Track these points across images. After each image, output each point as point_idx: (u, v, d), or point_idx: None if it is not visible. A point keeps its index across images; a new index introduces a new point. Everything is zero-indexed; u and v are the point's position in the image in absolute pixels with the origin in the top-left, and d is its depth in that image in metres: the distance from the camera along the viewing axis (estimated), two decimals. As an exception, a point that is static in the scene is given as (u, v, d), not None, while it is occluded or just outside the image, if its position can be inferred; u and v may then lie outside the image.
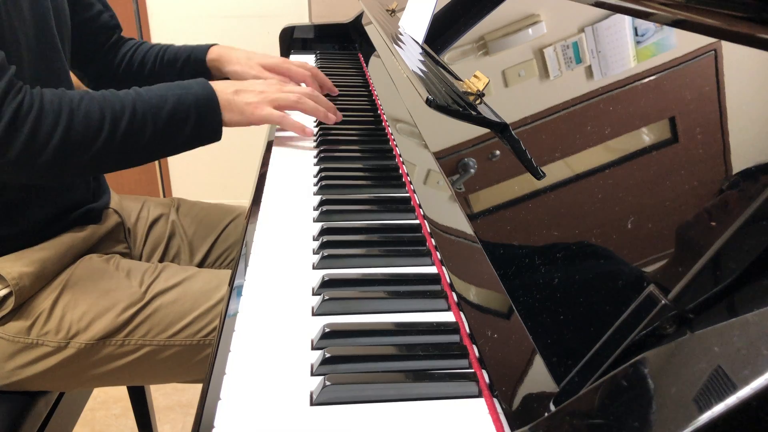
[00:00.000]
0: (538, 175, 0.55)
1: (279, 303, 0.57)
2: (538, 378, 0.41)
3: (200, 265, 1.07)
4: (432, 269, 0.63)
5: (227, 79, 1.15)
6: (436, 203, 0.72)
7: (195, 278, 0.89)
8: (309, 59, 1.58)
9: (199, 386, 0.51)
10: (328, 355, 0.48)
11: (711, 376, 0.29)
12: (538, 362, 0.41)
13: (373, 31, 1.39)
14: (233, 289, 0.60)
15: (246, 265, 0.63)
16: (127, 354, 0.84)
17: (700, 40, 0.47)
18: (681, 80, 0.47)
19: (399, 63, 0.90)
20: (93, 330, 0.82)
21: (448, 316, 0.55)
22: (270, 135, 1.04)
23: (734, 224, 0.35)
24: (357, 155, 0.93)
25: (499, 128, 0.65)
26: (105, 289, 0.85)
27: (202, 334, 0.84)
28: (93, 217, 0.95)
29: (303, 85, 1.16)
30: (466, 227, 0.60)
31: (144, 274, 0.88)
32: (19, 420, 0.82)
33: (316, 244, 0.67)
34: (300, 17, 2.33)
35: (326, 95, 1.20)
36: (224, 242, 1.09)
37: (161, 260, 1.05)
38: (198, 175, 2.51)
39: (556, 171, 0.54)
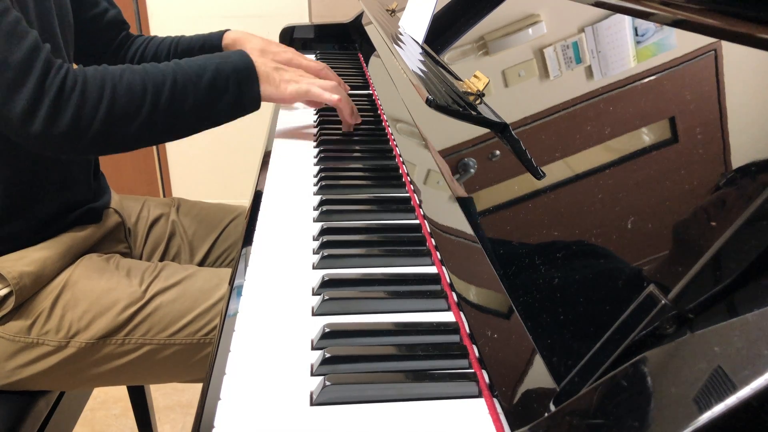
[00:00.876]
0: (538, 175, 0.55)
1: (279, 303, 0.57)
2: (538, 378, 0.41)
3: (200, 264, 1.07)
4: (432, 269, 0.63)
5: None
6: (436, 203, 0.72)
7: (195, 277, 0.89)
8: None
9: (199, 386, 0.51)
10: (328, 355, 0.48)
11: (711, 376, 0.29)
12: (538, 362, 0.41)
13: (373, 31, 1.39)
14: (233, 289, 0.60)
15: (246, 265, 0.63)
16: (127, 353, 0.84)
17: (700, 40, 0.47)
18: (681, 80, 0.47)
19: (399, 63, 0.90)
20: (93, 329, 0.82)
21: (448, 316, 0.55)
22: (270, 134, 1.04)
23: (734, 224, 0.35)
24: (357, 155, 0.93)
25: (499, 128, 0.65)
26: (105, 288, 0.85)
27: (203, 332, 0.84)
28: (93, 217, 0.95)
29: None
30: (466, 227, 0.60)
31: (144, 273, 0.88)
32: (19, 420, 0.82)
33: (316, 244, 0.67)
34: (300, 17, 2.33)
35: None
36: (224, 242, 1.09)
37: (161, 260, 1.05)
38: (198, 175, 2.51)
39: (556, 171, 0.54)
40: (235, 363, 0.49)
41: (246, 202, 0.83)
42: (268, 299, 0.58)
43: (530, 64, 0.70)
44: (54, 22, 0.86)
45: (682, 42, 0.50)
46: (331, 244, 0.66)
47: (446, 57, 0.93)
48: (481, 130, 0.68)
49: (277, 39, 1.69)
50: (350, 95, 1.23)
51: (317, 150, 0.95)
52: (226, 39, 1.14)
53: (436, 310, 0.56)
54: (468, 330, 0.52)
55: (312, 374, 0.48)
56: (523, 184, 0.57)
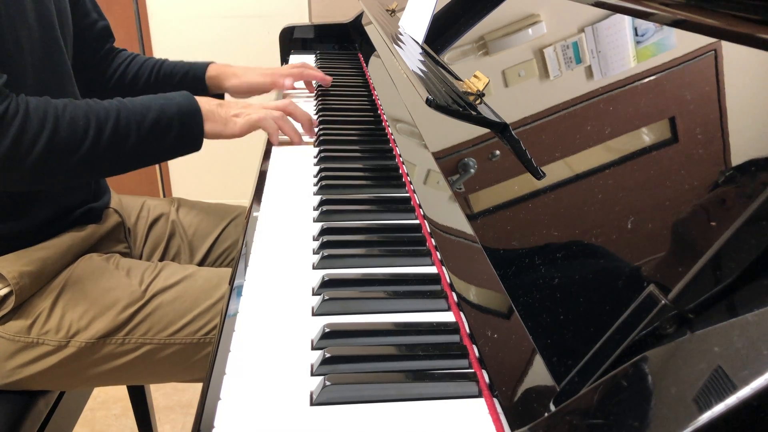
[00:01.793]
0: (538, 175, 0.55)
1: (279, 303, 0.57)
2: (538, 378, 0.41)
3: (200, 264, 1.07)
4: (432, 269, 0.63)
5: (223, 93, 1.19)
6: (436, 203, 0.72)
7: (195, 276, 0.89)
8: (309, 59, 1.58)
9: (199, 386, 0.51)
10: (328, 355, 0.48)
11: (711, 376, 0.29)
12: (538, 362, 0.41)
13: (373, 31, 1.39)
14: (233, 289, 0.60)
15: (246, 265, 0.63)
16: (127, 353, 0.84)
17: (700, 40, 0.47)
18: (681, 80, 0.47)
19: (399, 63, 0.90)
20: (93, 329, 0.82)
21: (448, 316, 0.55)
22: (270, 135, 1.04)
23: (734, 224, 0.35)
24: (357, 155, 0.93)
25: (499, 128, 0.65)
26: (105, 288, 0.85)
27: (203, 332, 0.84)
28: (93, 217, 0.95)
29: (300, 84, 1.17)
30: (466, 227, 0.60)
31: (144, 273, 0.88)
32: (19, 420, 0.82)
33: (316, 244, 0.67)
34: (300, 17, 2.33)
35: (320, 87, 1.22)
36: (224, 242, 1.09)
37: (161, 260, 1.05)
38: (198, 175, 2.51)
39: (556, 171, 0.54)
40: (235, 363, 0.49)
41: (246, 202, 0.83)
42: (268, 299, 0.58)
43: (530, 64, 0.70)
44: (55, 24, 0.86)
45: (682, 42, 0.50)
46: (331, 244, 0.66)
47: (446, 57, 0.93)
48: (481, 130, 0.69)
49: (277, 39, 1.70)
50: (350, 95, 1.24)
51: (317, 150, 0.95)
52: (210, 71, 1.15)
53: (436, 310, 0.56)
54: (468, 330, 0.52)
55: (312, 374, 0.48)
56: (523, 184, 0.57)
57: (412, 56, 0.90)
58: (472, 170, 0.68)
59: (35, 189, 0.86)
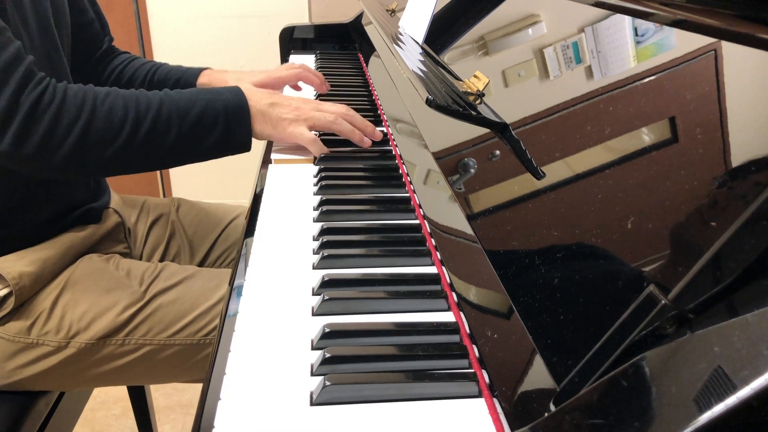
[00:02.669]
0: (538, 175, 0.55)
1: (279, 303, 0.57)
2: (538, 378, 0.41)
3: (200, 265, 1.07)
4: (432, 269, 0.63)
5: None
6: (436, 203, 0.72)
7: (195, 277, 0.89)
8: (309, 59, 1.58)
9: (199, 386, 0.51)
10: (328, 355, 0.48)
11: (711, 376, 0.29)
12: (538, 362, 0.41)
13: (373, 31, 1.39)
14: (233, 289, 0.60)
15: (246, 265, 0.63)
16: (127, 353, 0.84)
17: (700, 40, 0.47)
18: (681, 80, 0.47)
19: (399, 63, 0.90)
20: (93, 329, 0.82)
21: (448, 316, 0.55)
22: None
23: (734, 224, 0.35)
24: (357, 155, 0.93)
25: (499, 128, 0.65)
26: (105, 288, 0.85)
27: (203, 333, 0.84)
28: (93, 217, 0.95)
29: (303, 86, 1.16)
30: (466, 227, 0.60)
31: (144, 274, 0.88)
32: (19, 420, 0.82)
33: (316, 244, 0.67)
34: (300, 17, 2.33)
35: (319, 96, 1.21)
36: (224, 242, 1.09)
37: (161, 260, 1.05)
38: (198, 175, 2.51)
39: (556, 171, 0.54)
40: (235, 363, 0.49)
41: (246, 202, 0.83)
42: (268, 299, 0.58)
43: (530, 64, 0.70)
44: (52, 23, 0.86)
45: (682, 42, 0.50)
46: (331, 244, 0.66)
47: (446, 57, 0.93)
48: (481, 130, 0.68)
49: (277, 39, 1.70)
50: (350, 95, 1.23)
51: (317, 150, 0.95)
52: (202, 77, 1.12)
53: (436, 310, 0.56)
54: (468, 330, 0.52)
55: (312, 374, 0.48)
56: (523, 184, 0.57)
57: (412, 56, 0.90)
58: (472, 170, 0.68)
59: (66, 178, 0.85)
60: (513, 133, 0.63)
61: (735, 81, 0.43)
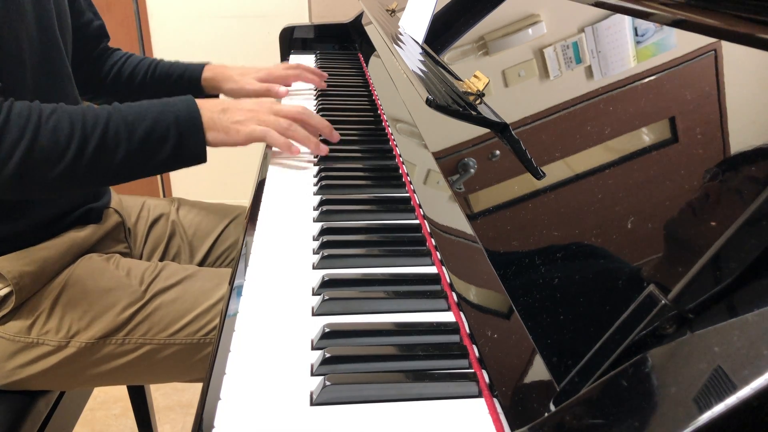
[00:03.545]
0: (538, 175, 0.55)
1: (279, 303, 0.57)
2: (538, 378, 0.41)
3: (200, 264, 1.07)
4: (432, 269, 0.63)
5: (218, 94, 1.17)
6: (436, 203, 0.72)
7: (195, 277, 0.89)
8: (309, 59, 1.58)
9: (199, 386, 0.51)
10: (328, 355, 0.48)
11: (711, 376, 0.29)
12: (538, 362, 0.41)
13: (373, 31, 1.39)
14: (233, 289, 0.60)
15: (246, 265, 0.63)
16: (127, 353, 0.84)
17: (700, 40, 0.47)
18: (681, 80, 0.47)
19: (399, 63, 0.90)
20: (93, 329, 0.82)
21: (448, 316, 0.55)
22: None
23: (734, 224, 0.35)
24: (357, 155, 0.93)
25: (499, 128, 0.65)
26: (105, 288, 0.85)
27: (203, 332, 0.84)
28: (93, 217, 0.95)
29: (300, 84, 1.16)
30: (466, 227, 0.60)
31: (144, 273, 0.88)
32: (19, 420, 0.82)
33: (316, 244, 0.67)
34: (300, 17, 2.33)
35: (319, 96, 1.21)
36: (224, 242, 1.09)
37: (161, 260, 1.05)
38: (198, 175, 2.51)
39: (556, 171, 0.54)
40: (235, 363, 0.49)
41: (246, 202, 0.83)
42: (268, 299, 0.58)
43: (530, 64, 0.70)
44: (54, 24, 0.86)
45: (682, 42, 0.50)
46: (331, 244, 0.66)
47: (446, 57, 0.93)
48: (481, 130, 0.68)
49: (277, 39, 1.69)
50: (350, 95, 1.23)
51: (317, 150, 0.95)
52: (206, 72, 1.12)
53: (436, 310, 0.56)
54: (468, 330, 0.52)
55: (312, 374, 0.48)
56: (523, 184, 0.57)
57: (412, 56, 0.90)
58: (472, 170, 0.68)
59: (13, 198, 0.82)
60: (513, 133, 0.63)
61: (735, 81, 0.43)
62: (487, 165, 0.66)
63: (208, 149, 0.85)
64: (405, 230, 0.70)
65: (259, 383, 0.47)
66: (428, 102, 0.66)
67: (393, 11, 1.36)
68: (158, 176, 2.53)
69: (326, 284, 0.59)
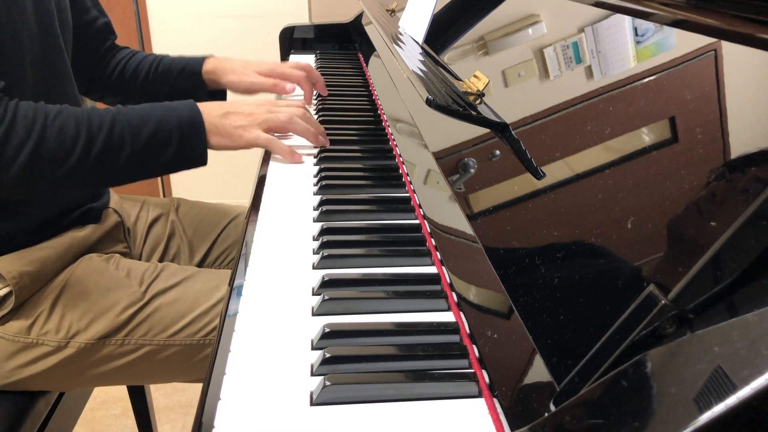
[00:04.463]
0: (538, 175, 0.55)
1: (279, 303, 0.57)
2: (538, 378, 0.41)
3: (200, 265, 1.07)
4: (432, 269, 0.63)
5: (224, 89, 1.15)
6: (436, 203, 0.72)
7: (195, 278, 0.89)
8: (309, 59, 1.58)
9: (199, 386, 0.51)
10: (328, 355, 0.48)
11: (711, 376, 0.29)
12: (538, 362, 0.41)
13: (373, 31, 1.39)
14: (233, 289, 0.60)
15: (246, 265, 0.63)
16: (127, 353, 0.84)
17: (700, 40, 0.47)
18: (681, 80, 0.47)
19: (399, 63, 0.90)
20: (93, 329, 0.82)
21: (448, 316, 0.55)
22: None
23: (734, 224, 0.35)
24: (357, 155, 0.93)
25: (499, 128, 0.65)
26: (105, 288, 0.85)
27: (202, 333, 0.84)
28: (93, 217, 0.95)
29: (298, 89, 1.16)
30: (466, 227, 0.60)
31: (144, 274, 0.88)
32: (19, 420, 0.82)
33: (316, 244, 0.67)
34: (300, 17, 2.33)
35: (319, 96, 1.21)
36: (224, 242, 1.09)
37: (161, 260, 1.05)
38: (198, 175, 2.50)
39: (556, 171, 0.54)
40: (235, 363, 0.49)
41: (246, 202, 0.83)
42: (268, 299, 0.58)
43: (530, 64, 0.70)
44: (55, 23, 0.86)
45: (682, 42, 0.50)
46: (331, 244, 0.66)
47: (446, 57, 0.93)
48: (481, 130, 0.68)
49: (277, 39, 1.69)
50: (350, 95, 1.23)
51: (317, 150, 0.95)
52: (207, 65, 1.12)
53: (436, 310, 0.56)
54: (468, 330, 0.52)
55: (312, 374, 0.48)
56: (523, 184, 0.57)
57: (412, 56, 0.90)
58: (472, 170, 0.68)
59: (20, 198, 0.83)
60: (513, 133, 0.63)
61: (735, 81, 0.43)
62: (487, 165, 0.66)
63: (208, 150, 0.86)
64: (405, 230, 0.70)
65: (259, 383, 0.47)
66: (428, 102, 0.66)
67: (393, 11, 1.36)
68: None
69: (326, 284, 0.59)
